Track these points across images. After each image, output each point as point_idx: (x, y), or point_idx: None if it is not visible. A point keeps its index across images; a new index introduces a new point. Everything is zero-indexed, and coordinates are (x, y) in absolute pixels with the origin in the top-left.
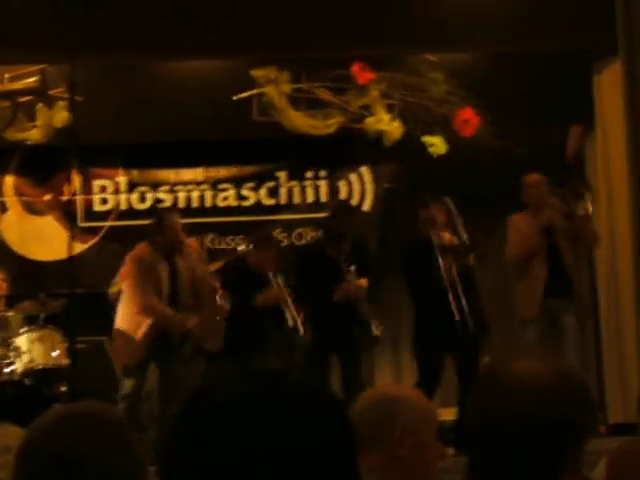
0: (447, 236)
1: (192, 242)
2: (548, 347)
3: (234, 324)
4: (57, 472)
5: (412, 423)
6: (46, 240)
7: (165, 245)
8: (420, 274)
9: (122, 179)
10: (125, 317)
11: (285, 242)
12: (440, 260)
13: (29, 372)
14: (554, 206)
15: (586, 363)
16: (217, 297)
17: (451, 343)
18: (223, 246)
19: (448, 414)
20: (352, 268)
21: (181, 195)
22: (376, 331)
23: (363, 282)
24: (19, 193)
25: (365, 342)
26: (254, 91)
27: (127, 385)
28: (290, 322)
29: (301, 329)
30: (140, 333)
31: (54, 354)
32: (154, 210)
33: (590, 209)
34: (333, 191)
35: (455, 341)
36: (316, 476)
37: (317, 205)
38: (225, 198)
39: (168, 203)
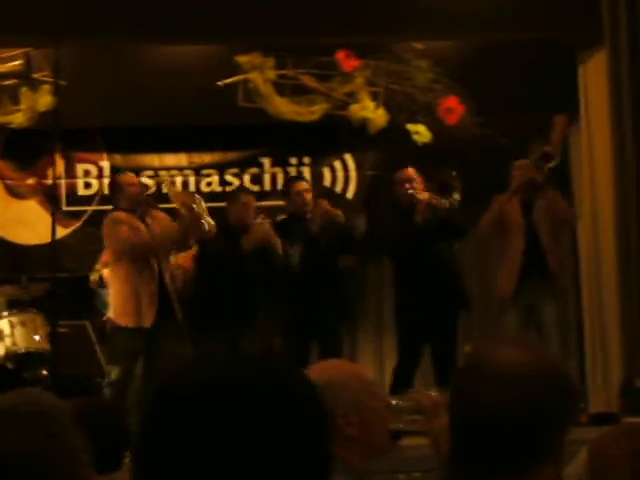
0: (426, 194)
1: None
2: (528, 335)
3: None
4: None
5: (349, 400)
6: (29, 224)
7: (129, 203)
8: (400, 248)
9: (106, 163)
10: (116, 300)
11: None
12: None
13: (11, 356)
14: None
15: (567, 352)
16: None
17: (431, 319)
18: None
19: None
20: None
21: (164, 180)
22: None
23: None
24: (2, 176)
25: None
26: (239, 77)
27: (113, 372)
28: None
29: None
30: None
31: (36, 338)
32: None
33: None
34: (316, 178)
35: (435, 317)
36: (289, 462)
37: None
38: (209, 184)
39: (151, 188)
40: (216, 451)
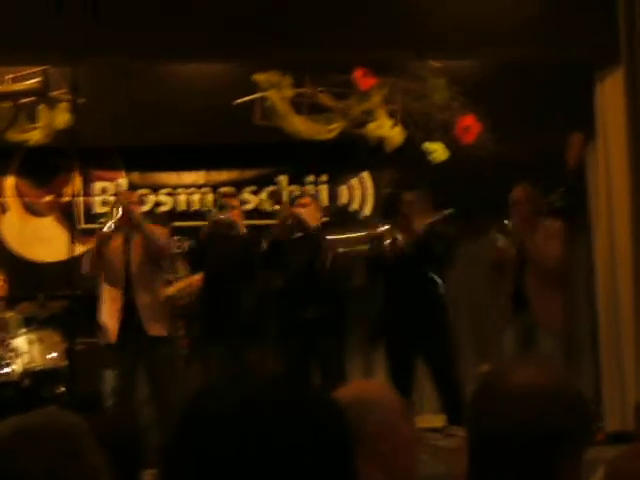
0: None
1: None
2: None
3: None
4: None
5: (382, 422)
6: (46, 241)
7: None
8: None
9: (123, 181)
10: (105, 307)
11: None
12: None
13: (28, 373)
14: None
15: (584, 370)
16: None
17: (419, 335)
18: None
19: (436, 421)
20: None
21: (182, 198)
22: None
23: None
24: (20, 194)
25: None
26: (256, 95)
27: (108, 377)
28: None
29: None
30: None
31: (53, 355)
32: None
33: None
34: (333, 196)
35: (424, 333)
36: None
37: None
38: None
39: (168, 206)
40: (241, 470)
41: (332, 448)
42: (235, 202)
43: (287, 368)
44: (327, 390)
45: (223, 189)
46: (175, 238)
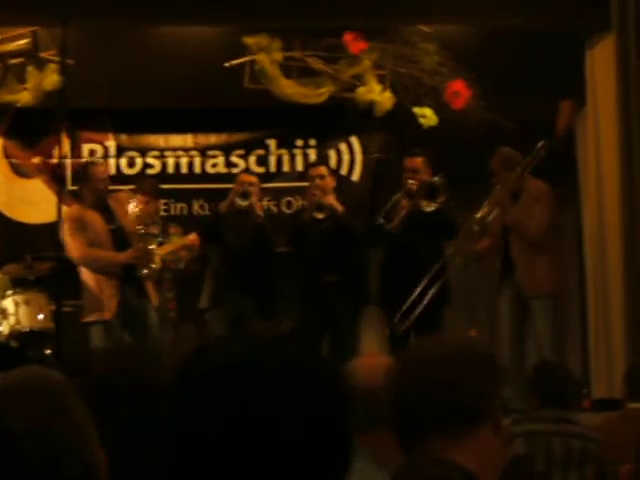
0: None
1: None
2: (517, 325)
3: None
4: None
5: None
6: (34, 203)
7: (93, 197)
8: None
9: (111, 144)
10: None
11: (274, 210)
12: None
13: (15, 334)
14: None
15: (570, 337)
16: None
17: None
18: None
19: None
20: None
21: (170, 161)
22: None
23: None
24: (7, 155)
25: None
26: (246, 58)
27: (95, 335)
28: None
29: None
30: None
31: (40, 317)
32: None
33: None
34: (322, 160)
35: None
36: (311, 446)
37: (306, 174)
38: (214, 165)
39: (157, 169)
40: (234, 427)
41: (329, 412)
42: (255, 188)
43: (298, 331)
44: (337, 358)
45: (245, 176)
46: None
